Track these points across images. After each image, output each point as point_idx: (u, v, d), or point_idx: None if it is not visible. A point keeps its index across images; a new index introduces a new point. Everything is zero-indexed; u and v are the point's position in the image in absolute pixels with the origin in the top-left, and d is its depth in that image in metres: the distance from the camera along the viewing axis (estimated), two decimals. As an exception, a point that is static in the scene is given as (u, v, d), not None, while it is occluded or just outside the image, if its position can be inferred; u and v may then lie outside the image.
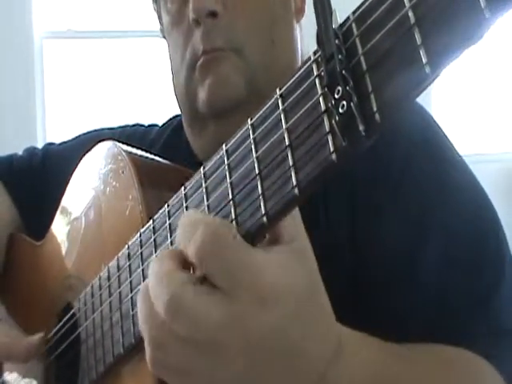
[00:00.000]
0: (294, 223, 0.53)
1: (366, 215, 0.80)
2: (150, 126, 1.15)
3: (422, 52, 0.37)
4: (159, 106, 4.02)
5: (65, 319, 0.90)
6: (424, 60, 0.37)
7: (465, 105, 4.62)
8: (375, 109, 0.40)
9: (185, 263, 0.52)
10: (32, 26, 4.06)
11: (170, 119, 1.12)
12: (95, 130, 1.16)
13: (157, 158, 0.87)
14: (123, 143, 0.87)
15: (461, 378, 0.70)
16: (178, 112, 1.05)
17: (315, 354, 0.54)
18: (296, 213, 0.54)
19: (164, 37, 0.99)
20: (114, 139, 0.90)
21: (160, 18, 0.98)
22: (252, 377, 0.52)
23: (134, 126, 1.17)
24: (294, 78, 0.49)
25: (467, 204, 0.81)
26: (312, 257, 0.54)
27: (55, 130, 4.09)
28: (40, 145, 1.22)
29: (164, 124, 1.12)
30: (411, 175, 0.81)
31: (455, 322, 0.74)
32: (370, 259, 0.78)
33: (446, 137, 0.87)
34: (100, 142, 0.90)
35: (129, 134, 1.11)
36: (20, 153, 1.20)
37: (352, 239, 0.80)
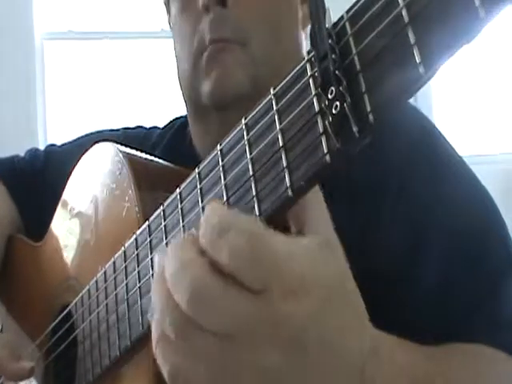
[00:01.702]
0: (318, 214, 0.52)
1: (367, 219, 0.80)
2: (151, 128, 1.15)
3: (415, 51, 0.36)
4: (160, 108, 4.01)
5: (62, 321, 0.90)
6: (418, 59, 0.36)
7: (465, 106, 4.61)
8: (369, 109, 0.40)
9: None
10: (33, 26, 4.05)
11: (172, 121, 1.11)
12: (97, 132, 1.16)
13: (155, 159, 0.87)
14: (124, 146, 0.87)
15: (487, 374, 0.71)
16: (180, 113, 1.04)
17: (353, 348, 0.51)
18: (321, 204, 0.52)
19: (171, 27, 0.98)
20: (116, 141, 0.90)
21: (168, 6, 0.98)
22: (287, 373, 0.48)
23: (135, 128, 1.16)
24: (288, 78, 0.48)
25: (468, 201, 0.81)
26: (340, 248, 0.52)
27: (56, 132, 4.08)
28: (41, 146, 1.22)
29: (165, 126, 1.11)
30: (411, 178, 0.81)
31: (464, 319, 0.75)
32: (372, 262, 0.78)
33: (444, 137, 0.87)
34: (97, 142, 0.90)
35: (130, 137, 1.11)
36: (22, 154, 1.20)
37: (353, 243, 0.80)
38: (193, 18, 0.89)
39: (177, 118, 1.10)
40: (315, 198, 0.51)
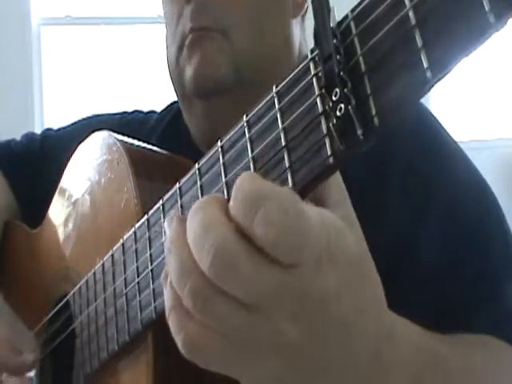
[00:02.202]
0: (339, 190, 0.50)
1: (369, 211, 0.80)
2: (148, 112, 1.15)
3: (422, 56, 0.36)
4: (157, 93, 4.00)
5: (60, 312, 0.90)
6: (425, 64, 0.35)
7: (463, 91, 4.61)
8: (374, 112, 0.39)
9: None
10: (29, 12, 4.04)
11: (169, 105, 1.12)
12: (94, 116, 1.16)
13: (153, 148, 0.87)
14: (122, 131, 0.87)
15: (494, 362, 0.71)
16: (176, 98, 1.04)
17: (371, 330, 0.50)
18: (340, 183, 0.51)
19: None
20: (113, 126, 0.90)
21: None
22: (304, 351, 0.46)
23: (132, 112, 1.16)
24: (291, 76, 0.47)
25: (466, 185, 0.82)
26: (359, 226, 0.50)
27: (53, 117, 4.08)
28: (38, 131, 1.21)
29: (163, 110, 1.12)
30: (415, 171, 0.81)
31: (466, 306, 0.75)
32: (375, 253, 0.78)
33: (441, 124, 0.88)
34: (95, 131, 0.89)
35: (128, 121, 1.11)
36: (18, 138, 1.20)
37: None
38: (177, 8, 0.90)
39: (174, 102, 1.09)
40: (334, 178, 0.49)
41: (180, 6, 0.89)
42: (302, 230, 0.41)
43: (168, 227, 0.48)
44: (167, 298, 0.47)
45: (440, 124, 0.87)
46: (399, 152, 0.82)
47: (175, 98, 1.03)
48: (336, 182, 0.49)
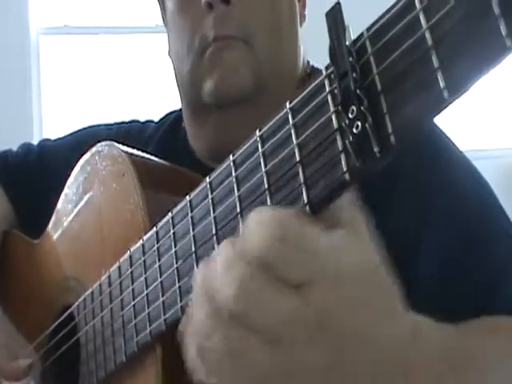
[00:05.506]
0: (352, 208, 0.50)
1: (373, 216, 0.80)
2: (146, 121, 1.14)
3: (439, 76, 0.36)
4: (156, 102, 3.99)
5: (63, 322, 0.89)
6: (442, 84, 0.36)
7: (464, 100, 4.60)
8: (390, 130, 0.39)
9: None
10: (28, 21, 4.02)
11: (166, 115, 1.11)
12: (91, 126, 1.16)
13: (158, 160, 0.86)
14: (120, 140, 0.87)
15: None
16: (175, 108, 1.04)
17: (390, 338, 0.50)
18: (353, 200, 0.51)
19: (165, 24, 0.98)
20: (111, 136, 0.90)
21: (162, 3, 0.98)
22: (331, 368, 0.48)
23: (130, 122, 1.16)
24: (306, 92, 0.47)
25: (470, 192, 0.82)
26: (372, 239, 0.51)
27: (52, 127, 4.06)
28: (36, 141, 1.21)
29: (160, 120, 1.11)
30: (421, 180, 0.81)
31: (473, 299, 0.75)
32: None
33: (448, 137, 0.88)
34: (98, 142, 0.89)
35: (125, 131, 1.11)
36: (15, 149, 1.19)
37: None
38: (193, 16, 0.89)
39: (171, 112, 1.10)
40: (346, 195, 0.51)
41: (197, 15, 0.87)
42: (309, 247, 0.45)
43: (193, 283, 0.51)
44: (192, 349, 0.51)
45: (444, 133, 0.88)
46: (406, 157, 0.81)
47: (173, 106, 1.03)
48: (348, 199, 0.50)
